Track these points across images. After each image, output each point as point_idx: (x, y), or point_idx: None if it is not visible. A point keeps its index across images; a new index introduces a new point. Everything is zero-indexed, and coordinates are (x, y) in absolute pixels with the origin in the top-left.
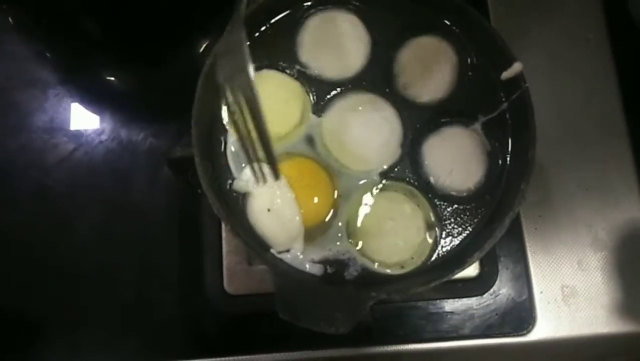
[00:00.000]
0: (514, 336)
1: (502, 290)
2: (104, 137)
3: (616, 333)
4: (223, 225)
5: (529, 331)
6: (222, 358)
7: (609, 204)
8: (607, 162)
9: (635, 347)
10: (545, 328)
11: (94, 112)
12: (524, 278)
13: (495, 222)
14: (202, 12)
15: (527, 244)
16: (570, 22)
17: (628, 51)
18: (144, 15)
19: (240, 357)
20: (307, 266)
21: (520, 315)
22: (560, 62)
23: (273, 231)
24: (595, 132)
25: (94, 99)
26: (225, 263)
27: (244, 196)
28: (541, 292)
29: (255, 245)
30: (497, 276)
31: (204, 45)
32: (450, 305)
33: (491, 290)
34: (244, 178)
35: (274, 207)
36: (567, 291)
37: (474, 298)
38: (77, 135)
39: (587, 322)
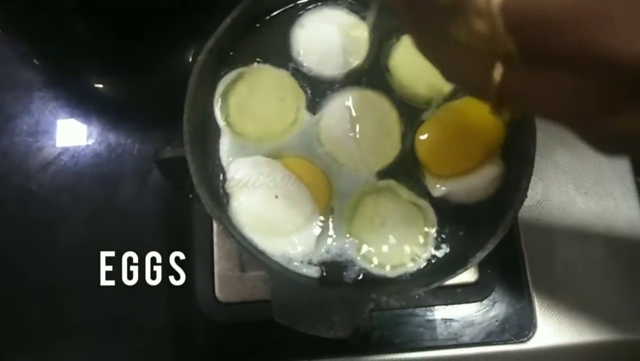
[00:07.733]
0: (514, 343)
1: (501, 296)
2: (91, 141)
3: (618, 340)
4: (215, 231)
5: (529, 338)
6: None
7: (608, 208)
8: (604, 166)
9: (638, 354)
10: (546, 334)
11: (81, 116)
12: (524, 284)
13: (496, 221)
14: (191, 17)
15: (525, 248)
16: None
17: None
18: (132, 20)
19: None
20: (304, 268)
21: (521, 321)
22: None
23: (288, 215)
24: None
25: (81, 103)
26: (216, 269)
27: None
28: (541, 298)
29: (249, 246)
30: (496, 282)
31: (193, 52)
32: (449, 311)
33: (491, 296)
34: (236, 174)
35: (281, 191)
36: (567, 297)
37: (473, 305)
38: (63, 138)
39: (589, 329)
